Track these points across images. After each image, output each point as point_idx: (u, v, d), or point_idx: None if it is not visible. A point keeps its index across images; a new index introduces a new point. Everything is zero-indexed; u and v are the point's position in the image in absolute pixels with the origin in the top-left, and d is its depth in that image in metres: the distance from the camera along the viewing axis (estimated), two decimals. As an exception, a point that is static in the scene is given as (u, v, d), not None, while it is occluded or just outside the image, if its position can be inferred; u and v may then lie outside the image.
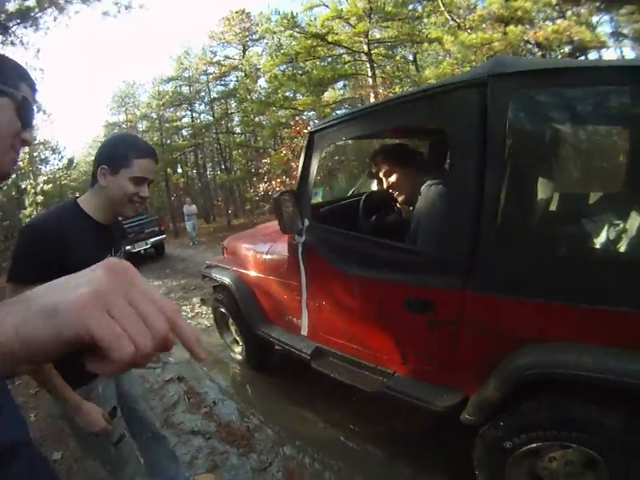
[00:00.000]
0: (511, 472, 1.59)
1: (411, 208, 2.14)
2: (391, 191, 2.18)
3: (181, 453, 2.33)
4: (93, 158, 1.35)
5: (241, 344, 3.34)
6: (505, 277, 1.50)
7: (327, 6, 15.17)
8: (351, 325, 2.16)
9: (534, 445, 1.49)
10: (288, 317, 2.66)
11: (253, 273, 2.98)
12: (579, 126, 1.98)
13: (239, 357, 3.39)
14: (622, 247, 1.57)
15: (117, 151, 1.29)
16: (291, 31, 14.91)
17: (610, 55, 19.05)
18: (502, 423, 1.53)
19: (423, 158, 2.28)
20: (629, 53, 19.51)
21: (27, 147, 0.81)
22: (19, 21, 7.71)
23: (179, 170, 26.39)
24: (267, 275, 2.81)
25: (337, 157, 11.88)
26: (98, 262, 1.15)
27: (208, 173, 30.18)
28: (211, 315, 4.96)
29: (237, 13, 23.68)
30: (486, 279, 1.53)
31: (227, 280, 3.14)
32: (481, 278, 1.54)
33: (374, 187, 3.70)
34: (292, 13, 14.87)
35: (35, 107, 0.81)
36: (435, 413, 1.75)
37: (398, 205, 2.41)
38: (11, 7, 7.64)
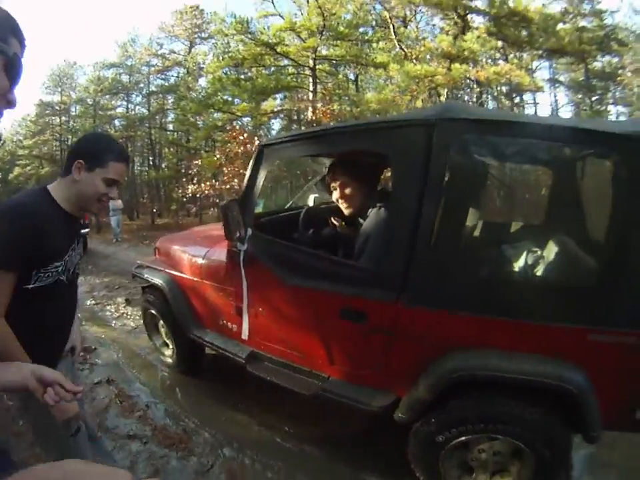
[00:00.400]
0: (444, 464, 1.82)
1: (360, 220, 2.30)
2: (341, 201, 2.29)
3: (119, 458, 2.28)
4: (69, 150, 1.39)
5: (171, 347, 3.29)
6: (435, 292, 1.73)
7: (281, 17, 15.45)
8: (288, 332, 2.27)
9: (463, 437, 1.72)
10: (222, 321, 2.70)
11: (187, 276, 2.96)
12: (507, 169, 2.32)
13: (169, 360, 3.33)
14: (534, 271, 1.91)
15: (96, 150, 1.32)
16: (243, 36, 14.88)
17: (544, 98, 21.28)
18: (433, 420, 1.75)
19: (376, 179, 2.43)
20: (563, 99, 21.89)
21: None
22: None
23: (106, 161, 24.86)
24: (203, 279, 2.82)
25: (277, 171, 12.02)
26: (67, 250, 1.23)
27: (136, 167, 28.80)
28: (137, 316, 4.84)
29: (190, 8, 23.10)
30: (417, 294, 1.74)
31: (159, 281, 3.09)
32: (413, 292, 1.75)
33: (310, 201, 3.87)
34: (247, 19, 14.90)
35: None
36: (369, 413, 1.94)
37: (334, 220, 2.56)
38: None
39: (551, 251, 2.01)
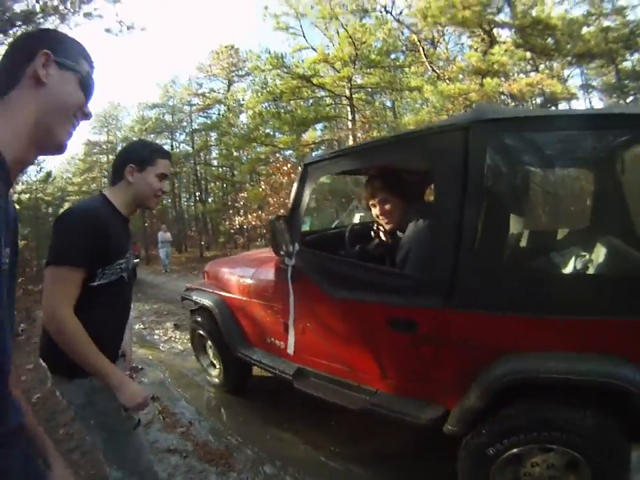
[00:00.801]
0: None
1: (399, 234, 2.29)
2: (381, 218, 2.32)
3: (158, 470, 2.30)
4: (114, 160, 1.54)
5: (218, 367, 3.35)
6: (481, 296, 1.68)
7: (314, 49, 16.00)
8: (335, 346, 2.26)
9: (515, 450, 1.62)
10: (270, 339, 2.73)
11: (235, 296, 3.04)
12: (547, 166, 2.25)
13: (216, 380, 3.39)
14: (582, 265, 1.86)
15: (143, 153, 1.48)
16: (278, 71, 15.49)
17: (579, 105, 20.78)
18: (484, 431, 1.66)
19: (417, 193, 2.43)
20: (597, 104, 21.30)
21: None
22: (20, 22, 7.72)
23: (154, 197, 26.18)
24: (251, 298, 2.88)
25: (322, 192, 12.20)
26: (127, 249, 1.31)
27: (183, 202, 30.08)
28: (185, 340, 4.97)
29: (225, 47, 24.42)
30: (464, 298, 1.70)
31: (208, 302, 3.18)
32: (460, 297, 1.71)
33: (356, 219, 3.90)
34: (281, 54, 15.53)
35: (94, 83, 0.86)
36: (418, 426, 1.86)
37: (381, 234, 2.56)
38: (17, 7, 7.73)
39: (594, 244, 1.93)
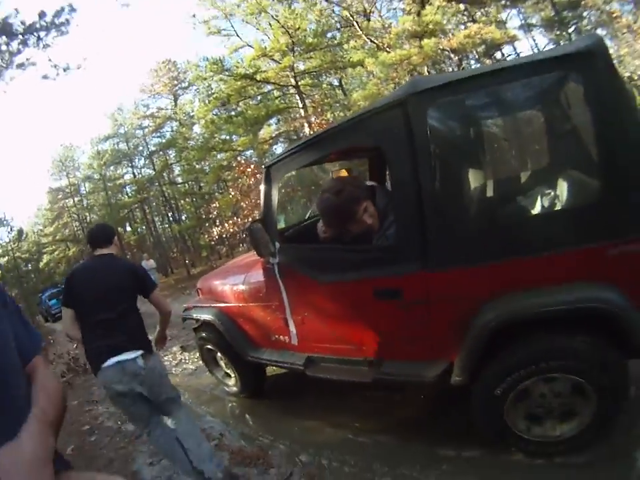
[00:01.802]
0: (510, 418, 1.87)
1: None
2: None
3: None
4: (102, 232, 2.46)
5: (233, 375, 3.46)
6: (452, 252, 1.83)
7: (250, 46, 15.88)
8: (334, 328, 2.40)
9: (521, 385, 1.78)
10: (274, 336, 2.85)
11: (232, 305, 3.15)
12: (487, 119, 2.40)
13: (234, 389, 3.50)
14: (541, 203, 2.03)
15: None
16: (221, 75, 15.36)
17: (524, 45, 21.00)
18: (488, 374, 1.83)
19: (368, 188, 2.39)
20: (541, 40, 21.52)
21: None
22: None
23: (128, 228, 25.83)
24: (247, 303, 3.00)
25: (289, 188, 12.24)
26: None
27: (157, 226, 29.77)
28: (195, 359, 5.07)
29: (163, 63, 24.07)
30: (438, 259, 1.85)
31: (209, 317, 3.28)
32: (435, 258, 1.86)
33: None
34: (219, 58, 15.42)
35: None
36: (428, 385, 2.02)
37: None
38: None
39: (554, 181, 2.08)
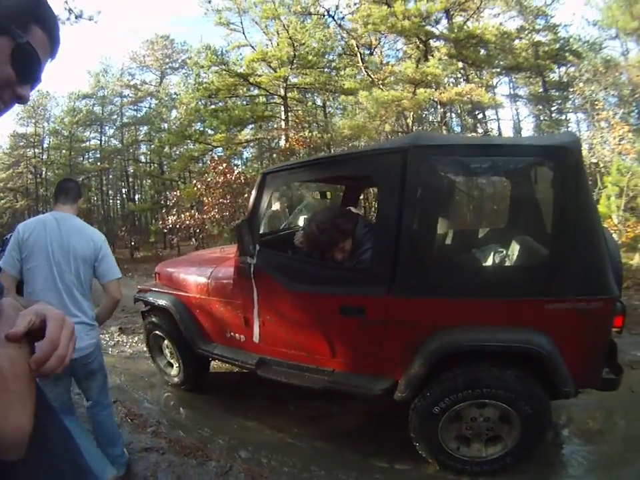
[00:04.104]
0: (443, 436, 2.14)
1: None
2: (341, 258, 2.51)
3: (139, 470, 2.45)
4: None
5: (176, 366, 3.46)
6: (417, 284, 2.11)
7: (253, 47, 15.98)
8: (294, 334, 2.54)
9: (456, 407, 2.05)
10: (230, 333, 2.92)
11: (193, 295, 3.18)
12: (469, 182, 2.77)
13: (175, 380, 3.48)
14: (498, 257, 2.44)
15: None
16: (217, 67, 15.30)
17: (506, 112, 22.49)
18: (428, 393, 2.09)
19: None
20: (523, 111, 22.99)
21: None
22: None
23: (80, 194, 24.47)
24: (210, 296, 3.04)
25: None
26: None
27: (111, 201, 28.58)
28: (133, 343, 4.98)
29: (162, 37, 23.46)
30: (403, 287, 2.11)
31: (165, 303, 3.28)
32: (400, 286, 2.11)
33: (301, 222, 4.19)
34: (221, 51, 15.42)
35: (45, 60, 0.66)
36: (372, 397, 2.28)
37: None
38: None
39: (509, 246, 2.47)
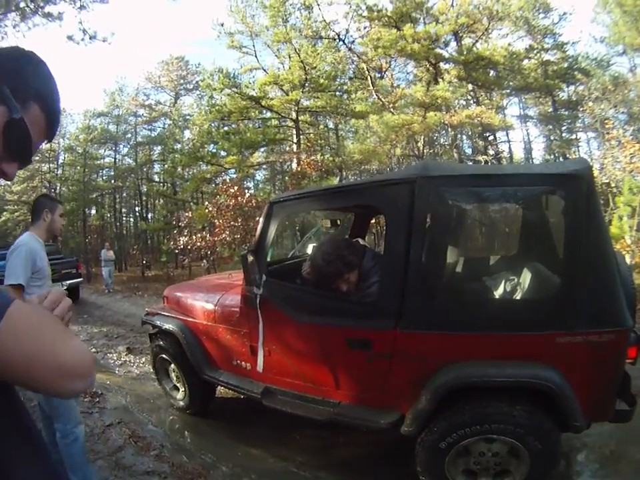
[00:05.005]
0: (450, 471, 2.09)
1: None
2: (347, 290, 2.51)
3: None
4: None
5: (182, 390, 3.46)
6: (425, 318, 2.08)
7: (265, 70, 16.39)
8: (300, 365, 2.53)
9: (464, 442, 2.01)
10: (236, 361, 2.93)
11: (200, 321, 3.20)
12: (477, 212, 2.75)
13: (181, 403, 3.48)
14: (507, 290, 2.36)
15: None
16: (229, 90, 15.63)
17: (517, 133, 22.58)
18: (435, 428, 2.05)
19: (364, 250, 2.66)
20: (533, 132, 22.97)
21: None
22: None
23: (93, 211, 24.90)
24: (216, 323, 3.06)
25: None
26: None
27: (123, 218, 28.98)
28: (140, 364, 5.00)
29: (176, 59, 24.08)
30: (410, 321, 2.09)
31: (172, 327, 3.30)
32: (407, 320, 2.09)
33: (310, 250, 4.23)
34: (233, 73, 15.77)
35: (39, 141, 0.67)
36: (378, 430, 2.24)
37: None
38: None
39: (521, 273, 2.42)
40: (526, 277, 2.43)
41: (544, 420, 1.94)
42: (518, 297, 2.35)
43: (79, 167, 23.14)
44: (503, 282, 2.55)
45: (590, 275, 1.85)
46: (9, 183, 25.38)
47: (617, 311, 1.84)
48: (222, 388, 3.44)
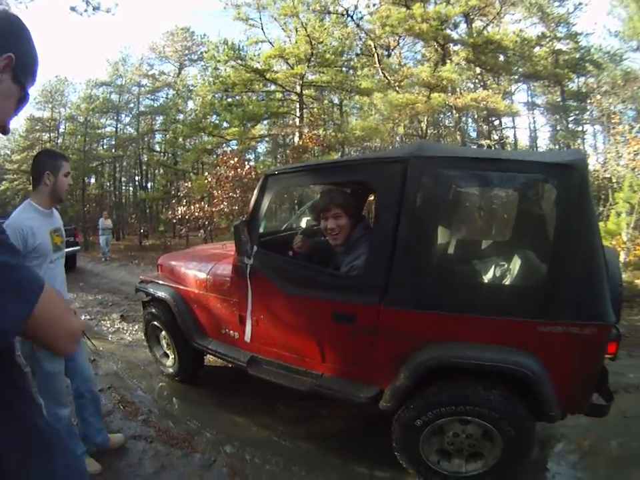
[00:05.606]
0: (424, 449, 2.13)
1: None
2: (329, 231, 2.52)
3: (127, 457, 2.52)
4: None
5: (171, 357, 3.52)
6: (410, 296, 2.09)
7: (271, 43, 16.06)
8: (286, 336, 2.57)
9: (439, 421, 2.04)
10: (225, 330, 2.97)
11: (192, 289, 3.23)
12: (470, 196, 2.72)
13: (170, 370, 3.54)
14: (491, 274, 2.36)
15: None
16: (234, 62, 15.37)
17: (523, 120, 22.33)
18: (412, 405, 2.08)
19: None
20: (540, 119, 22.68)
21: None
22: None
23: (92, 180, 24.79)
24: (207, 292, 3.09)
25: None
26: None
27: (123, 188, 28.88)
28: (133, 331, 5.07)
29: (182, 29, 23.65)
30: (395, 298, 2.10)
31: (164, 295, 3.34)
32: (392, 297, 2.10)
33: (303, 223, 4.23)
34: (238, 45, 15.47)
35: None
36: (357, 404, 2.27)
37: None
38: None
39: (511, 259, 2.42)
40: (516, 264, 2.42)
41: (518, 406, 1.96)
42: (506, 283, 2.34)
43: (79, 136, 22.90)
44: (493, 267, 2.54)
45: (576, 266, 1.84)
46: (8, 152, 25.39)
47: (600, 305, 1.84)
48: (211, 356, 3.50)
